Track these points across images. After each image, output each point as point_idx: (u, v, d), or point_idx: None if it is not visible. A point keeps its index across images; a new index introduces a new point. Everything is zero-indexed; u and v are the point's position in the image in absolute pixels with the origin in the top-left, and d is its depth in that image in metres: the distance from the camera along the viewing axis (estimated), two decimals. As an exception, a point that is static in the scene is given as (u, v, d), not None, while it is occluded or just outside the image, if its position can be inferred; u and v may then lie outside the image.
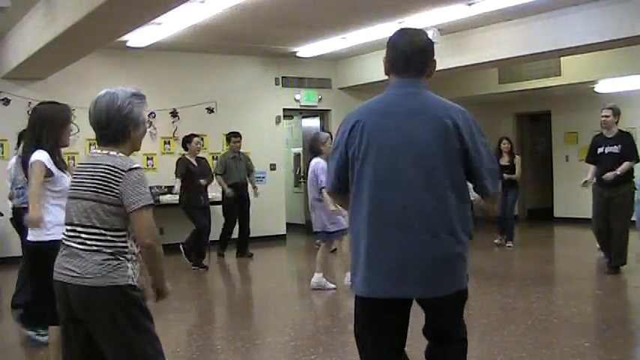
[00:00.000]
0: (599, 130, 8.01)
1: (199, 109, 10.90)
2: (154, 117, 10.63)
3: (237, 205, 9.89)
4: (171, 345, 5.39)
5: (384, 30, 9.32)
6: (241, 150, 10.09)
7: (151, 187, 10.97)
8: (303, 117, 13.26)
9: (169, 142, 10.68)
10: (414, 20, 8.73)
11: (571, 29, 8.34)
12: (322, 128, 12.62)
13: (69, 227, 2.78)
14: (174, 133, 10.53)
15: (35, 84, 9.72)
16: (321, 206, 7.07)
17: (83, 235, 2.70)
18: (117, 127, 2.75)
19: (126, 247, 2.72)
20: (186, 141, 9.18)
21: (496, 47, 9.31)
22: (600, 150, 7.59)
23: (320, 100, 12.35)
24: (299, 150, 13.44)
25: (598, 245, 8.07)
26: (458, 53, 9.75)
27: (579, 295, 6.81)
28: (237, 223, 10.01)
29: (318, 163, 7.15)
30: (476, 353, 4.91)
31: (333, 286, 7.20)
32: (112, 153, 2.75)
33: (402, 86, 2.72)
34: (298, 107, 12.33)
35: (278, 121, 11.88)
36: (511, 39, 9.10)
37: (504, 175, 9.80)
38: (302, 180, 12.42)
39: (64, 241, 2.79)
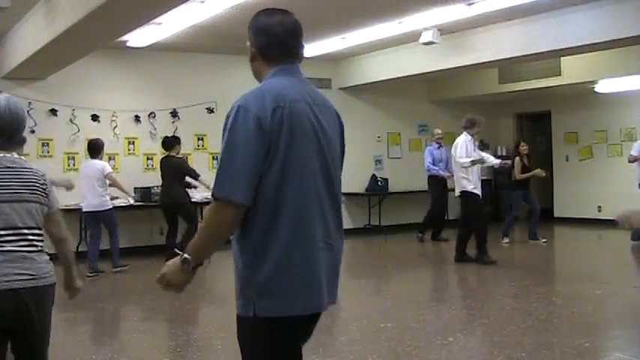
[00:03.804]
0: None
1: (199, 109, 10.89)
2: (153, 117, 10.63)
3: None
4: (172, 345, 5.39)
5: (384, 30, 9.32)
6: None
7: (150, 187, 11.03)
8: (303, 117, 13.25)
9: (169, 142, 10.66)
10: (414, 20, 8.74)
11: (571, 29, 8.34)
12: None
13: (5, 232, 2.67)
14: (174, 133, 10.52)
15: (35, 84, 9.72)
16: None
17: (30, 237, 2.73)
18: (22, 131, 2.85)
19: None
20: (176, 142, 9.39)
21: (496, 47, 9.30)
22: None
23: (320, 100, 12.33)
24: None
25: None
26: (458, 53, 9.75)
27: (579, 295, 6.81)
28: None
29: None
30: (476, 353, 4.92)
31: None
32: (23, 157, 2.84)
33: (292, 72, 2.34)
34: (298, 107, 12.32)
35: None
36: (511, 39, 9.09)
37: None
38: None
39: None
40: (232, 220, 2.16)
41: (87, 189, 8.51)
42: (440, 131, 11.29)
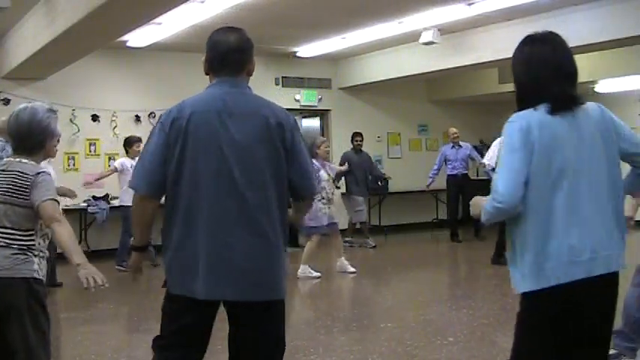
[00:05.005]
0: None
1: (199, 109, 10.89)
2: (153, 117, 10.63)
3: None
4: (172, 345, 5.39)
5: (384, 30, 9.32)
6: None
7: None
8: (303, 117, 13.24)
9: (169, 142, 10.69)
10: (414, 20, 8.74)
11: (571, 29, 8.31)
12: (322, 128, 12.62)
13: None
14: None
15: (35, 84, 9.72)
16: None
17: None
18: (37, 138, 3.08)
19: (33, 244, 3.01)
20: None
21: (496, 47, 9.29)
22: None
23: (320, 100, 12.34)
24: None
25: None
26: (458, 53, 9.75)
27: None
28: None
29: None
30: (476, 353, 4.91)
31: (316, 274, 7.86)
32: (23, 161, 3.05)
33: (221, 85, 2.69)
34: (298, 107, 12.31)
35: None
36: (511, 39, 8.95)
37: None
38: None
39: None
40: (141, 204, 2.66)
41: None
42: (455, 130, 11.24)
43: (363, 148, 11.08)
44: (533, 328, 2.44)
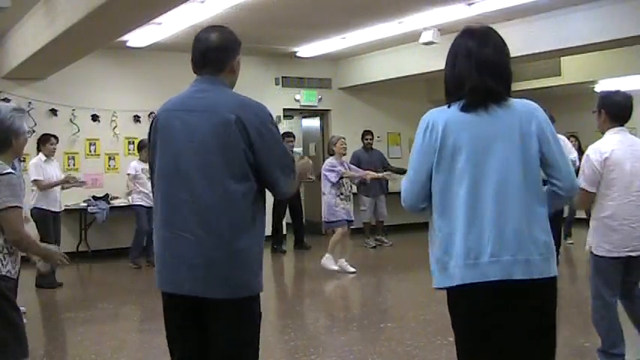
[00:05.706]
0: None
1: (199, 109, 10.88)
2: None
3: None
4: (172, 345, 5.39)
5: (384, 30, 9.33)
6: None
7: (151, 188, 11.01)
8: (303, 117, 13.25)
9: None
10: (414, 20, 8.74)
11: (571, 29, 8.34)
12: (322, 128, 12.61)
13: None
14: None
15: (35, 84, 9.72)
16: (323, 199, 8.02)
17: None
18: (0, 137, 3.09)
19: None
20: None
21: (496, 47, 9.30)
22: None
23: (320, 100, 12.34)
24: (299, 150, 13.43)
25: None
26: (458, 53, 9.74)
27: (579, 295, 6.81)
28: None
29: (326, 162, 8.22)
30: (476, 353, 4.92)
31: (335, 268, 7.96)
32: None
33: (196, 83, 2.71)
34: (298, 107, 12.33)
35: (278, 121, 11.87)
36: (511, 39, 8.97)
37: None
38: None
39: None
40: None
41: None
42: None
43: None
44: (455, 322, 2.45)
